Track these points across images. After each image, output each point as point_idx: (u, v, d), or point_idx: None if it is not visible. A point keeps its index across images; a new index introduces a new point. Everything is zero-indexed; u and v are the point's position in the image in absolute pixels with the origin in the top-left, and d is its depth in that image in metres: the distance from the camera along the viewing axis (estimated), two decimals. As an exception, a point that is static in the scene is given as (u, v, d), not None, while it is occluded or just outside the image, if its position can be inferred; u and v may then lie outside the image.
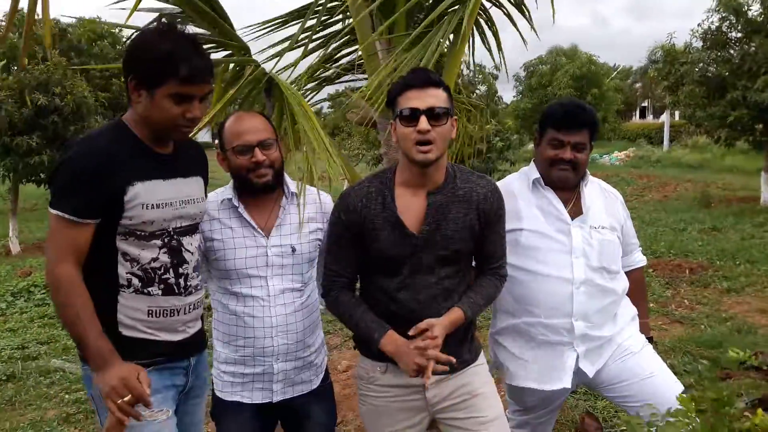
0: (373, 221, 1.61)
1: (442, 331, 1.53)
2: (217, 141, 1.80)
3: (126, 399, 1.31)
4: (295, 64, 2.45)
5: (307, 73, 2.56)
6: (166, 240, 1.53)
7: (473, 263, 1.75)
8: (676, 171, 15.95)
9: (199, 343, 1.69)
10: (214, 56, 2.12)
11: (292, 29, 2.51)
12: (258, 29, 2.47)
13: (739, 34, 9.92)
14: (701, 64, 10.32)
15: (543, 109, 2.05)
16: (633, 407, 1.84)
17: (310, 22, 2.33)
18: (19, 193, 9.17)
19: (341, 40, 2.59)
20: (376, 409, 1.71)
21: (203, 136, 2.11)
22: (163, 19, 1.57)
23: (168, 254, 1.54)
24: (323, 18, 2.43)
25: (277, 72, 2.26)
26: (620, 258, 1.98)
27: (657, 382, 1.84)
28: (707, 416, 1.11)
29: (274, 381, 1.76)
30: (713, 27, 10.06)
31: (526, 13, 2.44)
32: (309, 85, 2.69)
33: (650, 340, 2.05)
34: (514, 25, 2.45)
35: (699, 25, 10.25)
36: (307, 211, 1.80)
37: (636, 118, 39.24)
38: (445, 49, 2.29)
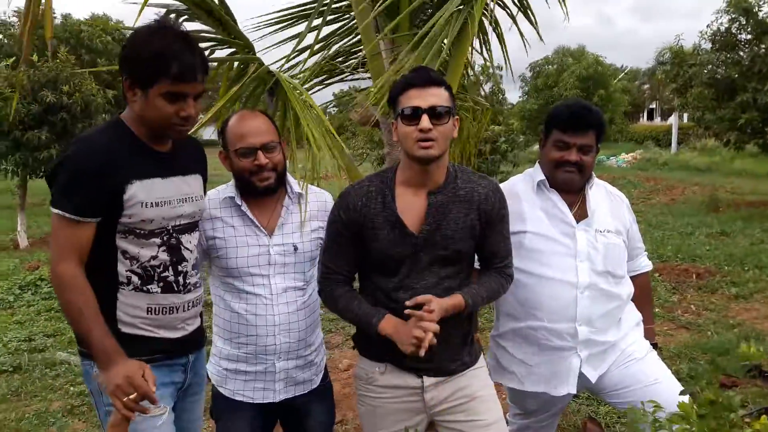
0: (373, 220, 1.60)
1: (440, 309, 1.50)
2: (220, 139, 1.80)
3: (131, 397, 1.31)
4: (304, 62, 2.45)
5: (312, 72, 2.56)
6: (165, 238, 1.54)
7: (476, 264, 1.73)
8: (684, 174, 15.83)
9: (198, 340, 1.69)
10: (218, 54, 2.13)
11: (295, 28, 2.50)
12: (264, 26, 2.47)
13: (749, 36, 9.82)
14: (710, 66, 10.23)
15: (549, 110, 2.03)
16: (636, 413, 1.82)
17: (315, 22, 2.33)
18: (27, 188, 9.24)
19: (344, 41, 2.58)
20: (375, 409, 1.71)
21: (210, 134, 2.11)
22: (159, 17, 1.55)
23: (167, 252, 1.54)
24: (328, 18, 2.43)
25: (279, 70, 2.26)
26: (625, 262, 1.96)
27: (661, 389, 1.82)
28: (707, 422, 1.09)
29: (275, 380, 1.76)
30: (722, 28, 9.98)
31: (531, 15, 2.42)
32: (314, 81, 2.68)
33: (655, 346, 2.03)
34: (518, 26, 2.44)
35: (708, 26, 10.18)
36: (310, 209, 1.79)
37: (644, 120, 39.05)
38: (449, 52, 2.28)
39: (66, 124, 8.70)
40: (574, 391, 1.88)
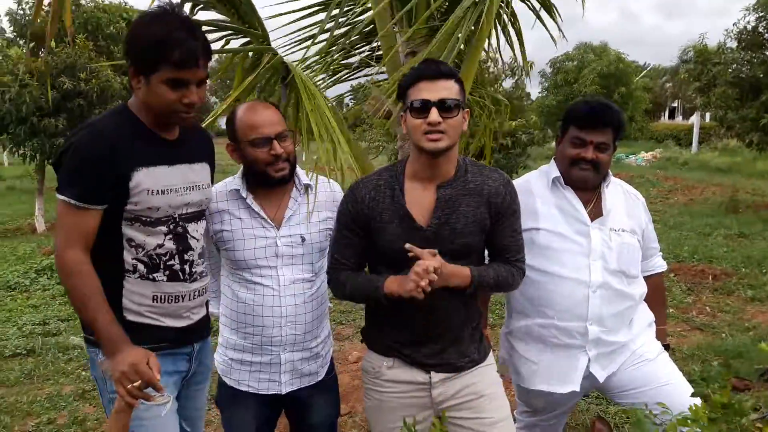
0: (381, 214, 1.59)
1: (444, 263, 1.47)
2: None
3: (136, 384, 1.31)
4: (320, 53, 2.43)
5: (326, 65, 2.54)
6: (171, 226, 1.53)
7: (485, 260, 1.71)
8: (704, 174, 15.56)
9: (203, 329, 1.70)
10: (233, 44, 2.11)
11: (306, 20, 2.48)
12: (279, 15, 2.46)
13: (777, 35, 9.59)
14: (735, 65, 10.01)
15: (567, 106, 2.00)
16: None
17: (334, 11, 2.31)
18: (45, 172, 9.37)
19: (360, 33, 2.56)
20: (381, 404, 1.70)
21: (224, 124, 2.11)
22: (163, 2, 1.53)
23: (173, 241, 1.54)
24: (346, 9, 2.41)
25: (294, 63, 2.25)
26: (639, 262, 1.93)
27: (671, 391, 1.79)
28: (718, 425, 1.07)
29: (281, 371, 1.76)
30: (749, 27, 9.75)
31: (554, 11, 2.37)
32: (330, 73, 2.67)
33: (666, 347, 2.00)
34: (541, 20, 2.39)
35: (734, 24, 9.95)
36: (318, 199, 1.78)
37: (665, 119, 38.40)
38: (463, 46, 2.24)
39: (83, 110, 8.80)
40: (578, 389, 1.86)
